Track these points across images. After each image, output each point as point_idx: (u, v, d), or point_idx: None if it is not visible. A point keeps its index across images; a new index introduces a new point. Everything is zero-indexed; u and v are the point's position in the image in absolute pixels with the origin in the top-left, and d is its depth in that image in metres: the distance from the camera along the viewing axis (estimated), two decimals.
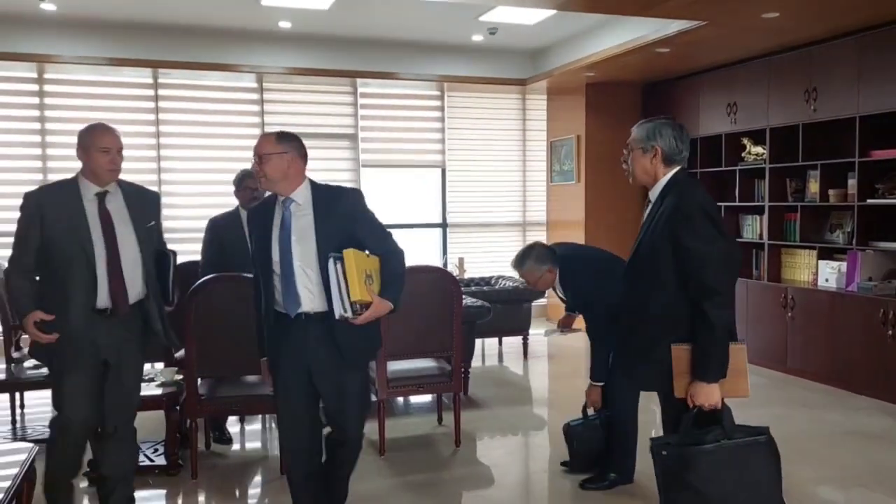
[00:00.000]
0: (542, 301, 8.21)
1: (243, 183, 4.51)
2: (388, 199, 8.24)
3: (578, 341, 7.75)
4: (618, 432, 3.80)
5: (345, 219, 2.92)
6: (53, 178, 7.40)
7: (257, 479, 4.19)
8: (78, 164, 3.15)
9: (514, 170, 9.24)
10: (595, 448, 3.88)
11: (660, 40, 6.21)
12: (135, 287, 3.12)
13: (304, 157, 2.96)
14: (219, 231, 4.49)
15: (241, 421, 5.04)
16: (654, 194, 2.72)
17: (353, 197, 3.02)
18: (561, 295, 3.92)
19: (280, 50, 7.48)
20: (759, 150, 6.79)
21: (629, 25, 6.50)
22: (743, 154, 6.94)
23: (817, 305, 5.99)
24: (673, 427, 2.66)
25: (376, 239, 2.99)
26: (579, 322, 4.11)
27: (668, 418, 2.74)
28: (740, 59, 6.84)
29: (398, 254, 3.03)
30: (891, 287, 5.51)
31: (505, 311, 6.76)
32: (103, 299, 3.05)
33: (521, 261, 3.85)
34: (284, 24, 6.96)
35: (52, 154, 7.49)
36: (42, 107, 7.48)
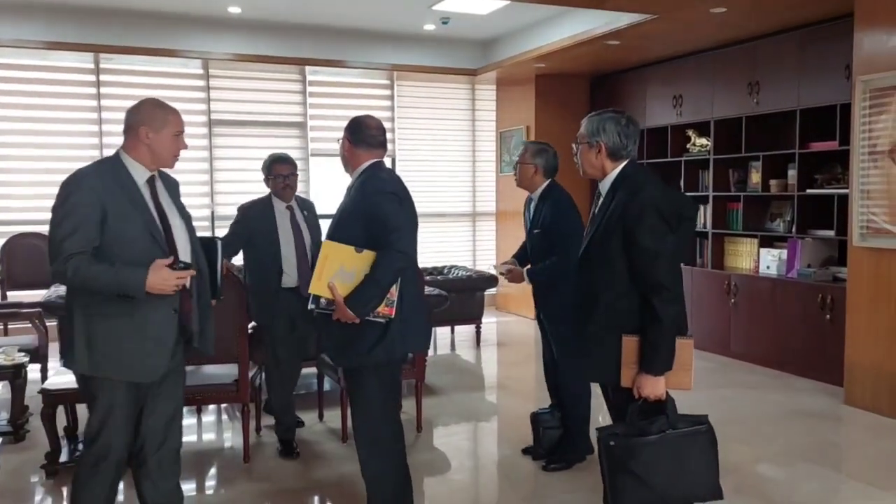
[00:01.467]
0: (492, 291, 8.28)
1: (273, 169, 4.17)
2: (336, 189, 8.16)
3: (529, 328, 7.89)
4: (572, 414, 3.94)
5: (362, 209, 2.86)
6: None
7: (221, 467, 4.15)
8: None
9: (463, 160, 9.30)
10: (557, 436, 4.00)
11: (610, 33, 6.33)
12: (189, 282, 2.72)
13: (362, 142, 2.97)
14: (249, 220, 4.16)
15: (199, 411, 4.98)
16: (603, 187, 2.75)
17: (372, 188, 2.89)
18: (530, 216, 4.03)
19: (227, 36, 7.34)
20: (703, 141, 7.00)
21: (580, 18, 6.61)
22: (688, 145, 7.15)
23: (759, 292, 6.23)
24: (618, 415, 2.75)
25: (377, 238, 2.82)
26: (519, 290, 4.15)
27: (614, 406, 2.82)
28: (687, 52, 7.03)
29: (386, 259, 2.78)
30: (828, 273, 5.77)
31: (458, 299, 6.81)
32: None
33: (531, 143, 4.13)
34: (234, 10, 6.83)
35: None
36: None
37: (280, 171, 4.15)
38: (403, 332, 2.89)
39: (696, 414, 2.68)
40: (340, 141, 3.03)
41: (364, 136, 2.97)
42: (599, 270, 2.66)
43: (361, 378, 2.92)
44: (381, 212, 2.81)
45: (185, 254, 2.73)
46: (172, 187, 2.86)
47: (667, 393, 2.61)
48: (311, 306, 2.83)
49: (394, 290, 2.81)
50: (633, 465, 2.55)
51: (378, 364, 2.89)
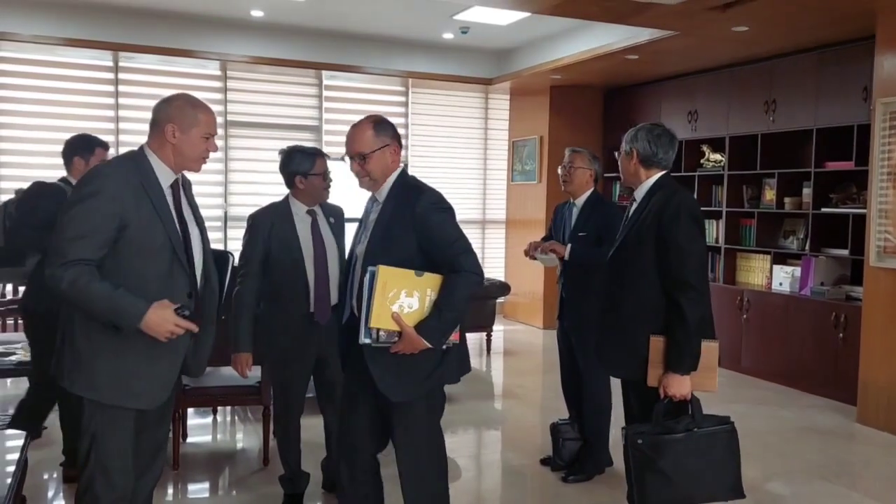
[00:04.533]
0: (501, 300, 8.30)
1: (290, 164, 3.42)
2: (349, 193, 8.19)
3: (537, 338, 7.92)
4: (593, 426, 3.95)
5: (411, 223, 2.55)
6: (6, 162, 7.16)
7: (236, 470, 4.17)
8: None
9: (475, 167, 9.34)
10: (577, 447, 4.02)
11: (630, 48, 6.38)
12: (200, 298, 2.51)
13: (397, 140, 2.67)
14: (263, 230, 3.39)
15: (214, 412, 5.00)
16: (639, 194, 2.90)
17: (427, 199, 2.59)
18: (570, 222, 4.05)
19: (247, 38, 7.37)
20: (717, 157, 7.04)
21: (599, 31, 6.65)
22: (702, 160, 7.19)
23: (771, 308, 6.26)
24: (643, 415, 2.79)
25: (442, 253, 2.55)
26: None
27: (639, 406, 2.86)
28: (703, 68, 7.08)
29: (462, 277, 2.52)
30: (842, 292, 5.81)
31: (470, 307, 6.82)
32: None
33: (582, 149, 4.14)
34: (257, 13, 6.87)
35: (4, 135, 7.18)
36: None
37: (322, 167, 3.41)
38: (461, 355, 2.70)
39: (719, 415, 2.75)
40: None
41: (396, 132, 2.68)
42: (630, 269, 2.79)
43: (412, 411, 2.64)
44: (443, 229, 2.56)
45: (198, 267, 2.49)
46: (186, 188, 2.60)
47: (692, 394, 2.69)
48: (364, 340, 2.51)
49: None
50: (660, 464, 2.63)
51: (433, 391, 2.68)
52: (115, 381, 2.34)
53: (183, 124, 2.41)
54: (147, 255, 2.33)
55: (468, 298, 2.56)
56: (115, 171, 2.37)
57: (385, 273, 2.47)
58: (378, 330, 2.49)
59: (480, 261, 9.81)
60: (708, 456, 2.67)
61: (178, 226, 2.42)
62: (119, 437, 2.39)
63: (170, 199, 2.44)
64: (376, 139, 2.61)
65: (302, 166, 3.36)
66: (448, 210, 2.61)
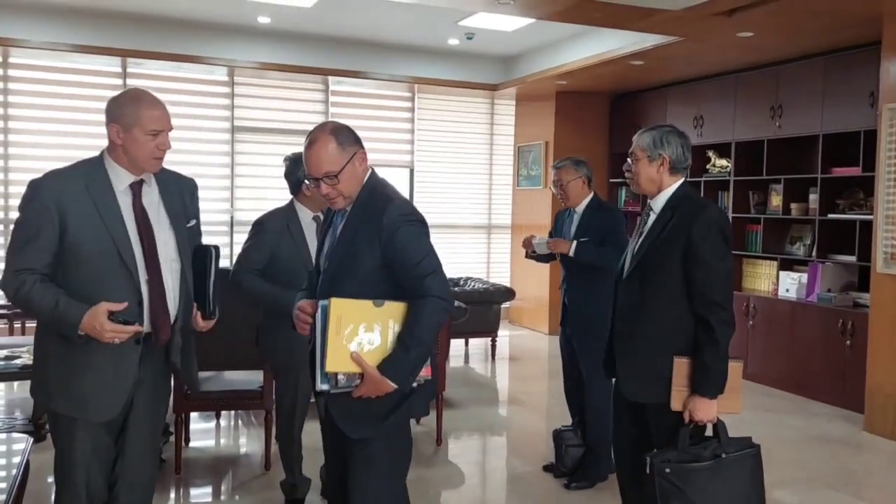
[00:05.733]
0: (506, 305, 8.29)
1: (297, 171, 3.37)
2: None
3: (542, 343, 7.90)
4: (597, 433, 3.93)
5: (377, 235, 2.22)
6: (16, 167, 7.21)
7: (239, 474, 4.17)
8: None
9: (480, 172, 9.36)
10: (580, 454, 4.01)
11: (636, 53, 6.38)
12: (175, 307, 2.39)
13: (359, 143, 2.33)
14: (268, 236, 3.40)
15: (218, 417, 5.01)
16: (657, 204, 2.70)
17: (396, 210, 2.25)
18: (571, 229, 4.02)
19: (254, 44, 7.40)
20: (723, 162, 7.02)
21: (604, 37, 6.65)
22: (708, 166, 7.17)
23: (778, 314, 6.23)
24: (662, 439, 2.63)
25: (406, 274, 2.22)
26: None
27: (659, 430, 2.67)
28: (709, 73, 7.06)
29: (427, 304, 2.19)
30: (849, 299, 5.77)
31: (475, 312, 6.82)
32: (145, 323, 2.32)
33: (563, 160, 4.06)
34: (264, 20, 6.90)
35: (14, 140, 7.25)
36: (6, 91, 7.24)
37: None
38: (427, 388, 2.33)
39: (741, 437, 2.64)
40: (354, 154, 2.28)
41: (357, 136, 2.35)
42: (652, 287, 2.62)
43: (370, 448, 2.27)
44: (409, 245, 2.21)
45: (168, 275, 2.36)
46: (180, 194, 2.48)
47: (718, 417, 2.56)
48: (322, 387, 2.19)
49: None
50: (688, 492, 2.49)
51: (399, 427, 2.32)
52: (65, 389, 2.29)
53: (124, 123, 2.28)
54: (90, 259, 2.25)
55: (437, 328, 2.23)
56: (61, 171, 2.33)
57: (338, 306, 2.14)
58: (336, 374, 2.16)
59: (486, 265, 9.89)
60: (735, 481, 2.55)
61: (133, 228, 2.31)
62: (79, 449, 2.31)
63: (126, 200, 2.32)
64: (342, 152, 2.25)
65: (300, 172, 3.30)
66: (418, 223, 2.26)
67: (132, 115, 2.28)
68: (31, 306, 2.23)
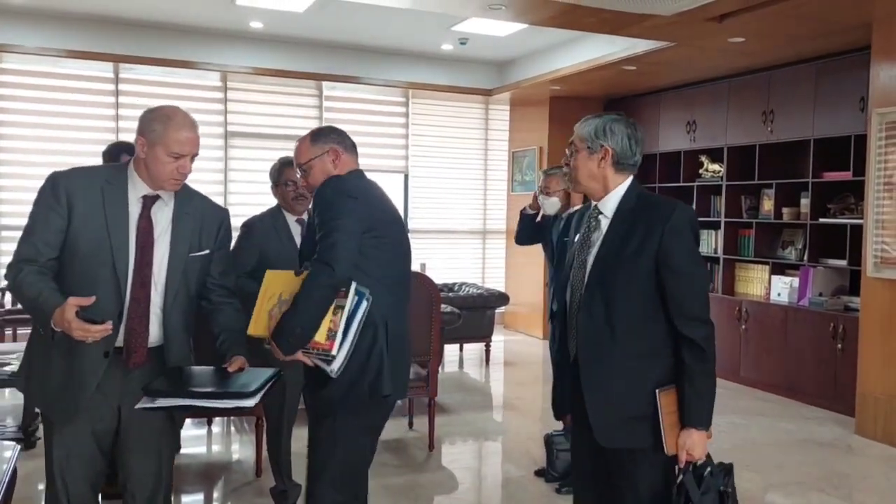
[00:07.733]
0: (501, 309, 8.30)
1: (282, 175, 3.46)
2: None
3: (537, 348, 7.90)
4: None
5: (315, 221, 2.41)
6: (8, 173, 7.19)
7: (230, 481, 4.16)
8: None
9: (475, 178, 9.37)
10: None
11: (628, 58, 6.40)
12: (154, 330, 2.31)
13: (350, 147, 2.53)
14: (255, 238, 3.45)
15: (209, 423, 5.00)
16: (607, 207, 2.23)
17: (331, 184, 2.43)
18: (556, 236, 4.01)
19: (247, 50, 7.41)
20: (716, 167, 7.04)
21: (598, 42, 6.67)
22: (700, 171, 7.19)
23: (770, 319, 6.24)
24: (655, 495, 2.18)
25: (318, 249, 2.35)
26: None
27: (652, 482, 2.18)
28: (702, 79, 7.09)
29: (311, 275, 2.28)
30: (840, 303, 5.79)
31: (469, 317, 6.83)
32: (119, 336, 2.27)
33: (554, 168, 4.08)
34: (256, 25, 6.91)
35: (5, 146, 7.21)
36: None
37: (291, 176, 3.36)
38: (386, 370, 2.40)
39: (710, 459, 2.21)
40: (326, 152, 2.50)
41: (340, 138, 2.56)
42: (621, 306, 2.15)
43: (324, 422, 2.45)
44: (321, 213, 2.33)
45: (157, 294, 2.29)
46: (201, 217, 2.41)
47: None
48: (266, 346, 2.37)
49: (338, 320, 2.27)
50: None
51: (343, 405, 2.39)
52: (39, 387, 2.31)
53: (150, 139, 2.24)
54: (85, 260, 2.23)
55: (316, 297, 2.25)
56: (70, 172, 2.31)
57: (269, 276, 2.37)
58: (254, 337, 2.36)
59: (481, 271, 9.88)
60: None
61: (134, 240, 2.27)
62: (56, 454, 2.29)
63: (135, 210, 2.29)
64: (313, 148, 2.48)
65: (273, 176, 3.51)
66: (341, 196, 2.35)
67: (159, 132, 2.24)
68: (21, 295, 2.23)
